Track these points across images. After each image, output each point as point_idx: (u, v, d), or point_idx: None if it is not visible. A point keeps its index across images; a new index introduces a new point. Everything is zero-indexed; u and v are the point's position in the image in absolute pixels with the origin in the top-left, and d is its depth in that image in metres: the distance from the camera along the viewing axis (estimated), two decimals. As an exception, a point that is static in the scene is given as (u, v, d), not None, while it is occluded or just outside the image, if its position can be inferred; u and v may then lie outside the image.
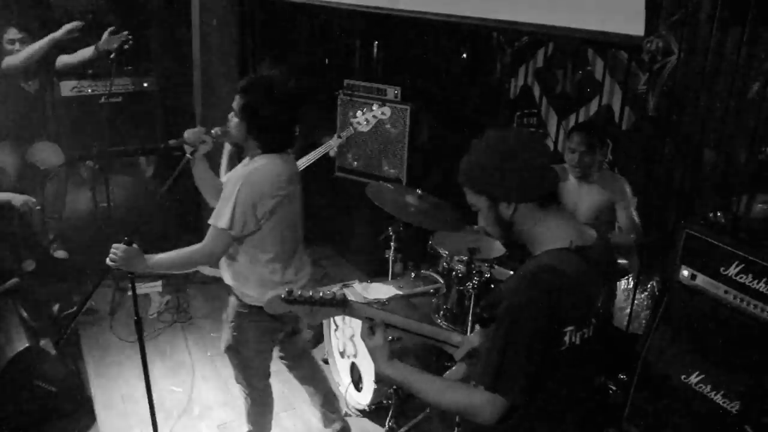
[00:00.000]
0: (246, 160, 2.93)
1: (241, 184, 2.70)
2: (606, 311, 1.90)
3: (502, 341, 1.71)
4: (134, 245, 2.67)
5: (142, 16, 5.46)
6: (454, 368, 2.12)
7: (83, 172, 5.24)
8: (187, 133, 2.88)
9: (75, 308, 4.48)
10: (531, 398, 1.74)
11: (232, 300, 3.02)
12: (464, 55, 5.09)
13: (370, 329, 1.99)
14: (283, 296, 1.99)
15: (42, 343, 3.79)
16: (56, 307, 4.45)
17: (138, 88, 5.21)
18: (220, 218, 2.73)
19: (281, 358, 3.39)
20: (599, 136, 3.61)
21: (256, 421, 3.33)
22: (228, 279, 2.98)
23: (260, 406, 3.29)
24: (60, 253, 5.07)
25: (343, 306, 2.01)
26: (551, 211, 1.82)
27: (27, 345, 3.59)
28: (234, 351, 3.08)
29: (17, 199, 4.33)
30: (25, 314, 3.98)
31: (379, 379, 3.05)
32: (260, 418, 3.33)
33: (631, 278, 4.17)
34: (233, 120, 2.82)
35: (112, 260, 2.66)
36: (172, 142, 2.94)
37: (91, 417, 3.75)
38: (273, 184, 2.77)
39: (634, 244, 3.69)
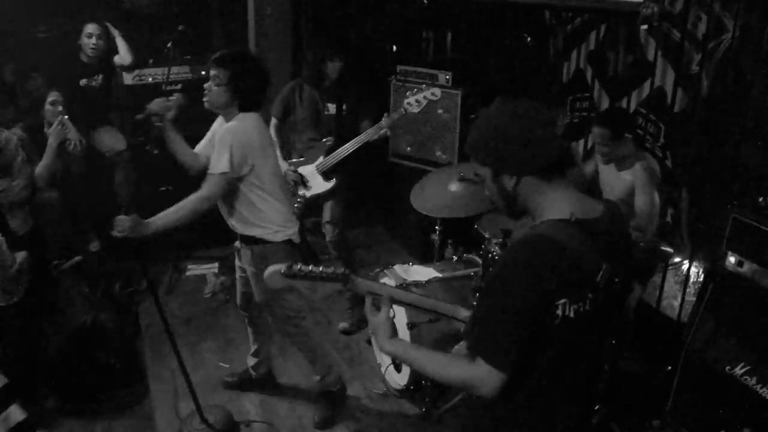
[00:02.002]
0: (219, 120, 3.36)
1: (233, 133, 3.07)
2: (611, 287, 1.82)
3: (487, 306, 1.71)
4: (133, 215, 2.97)
5: (201, 5, 5.63)
6: (461, 343, 2.11)
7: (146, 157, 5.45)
8: (152, 104, 3.23)
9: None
10: (520, 367, 1.71)
11: (246, 251, 3.35)
12: (517, 40, 5.01)
13: (374, 305, 2.01)
14: (283, 271, 2.03)
15: (102, 317, 4.00)
16: (117, 286, 4.67)
17: (197, 76, 5.37)
18: (218, 165, 3.07)
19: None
20: (621, 125, 3.55)
21: (320, 361, 3.64)
22: (242, 228, 3.30)
23: (315, 346, 3.61)
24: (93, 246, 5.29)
25: (344, 280, 2.04)
26: (554, 183, 1.79)
27: (88, 318, 3.79)
28: (268, 297, 3.38)
29: (72, 133, 4.51)
30: (87, 290, 4.21)
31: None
32: (319, 355, 3.63)
33: (683, 264, 4.06)
34: (214, 89, 3.14)
35: (119, 231, 2.96)
36: (139, 116, 3.23)
37: (145, 389, 3.93)
38: (260, 134, 3.21)
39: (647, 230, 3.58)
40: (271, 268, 2.08)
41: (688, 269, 3.99)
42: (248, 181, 3.17)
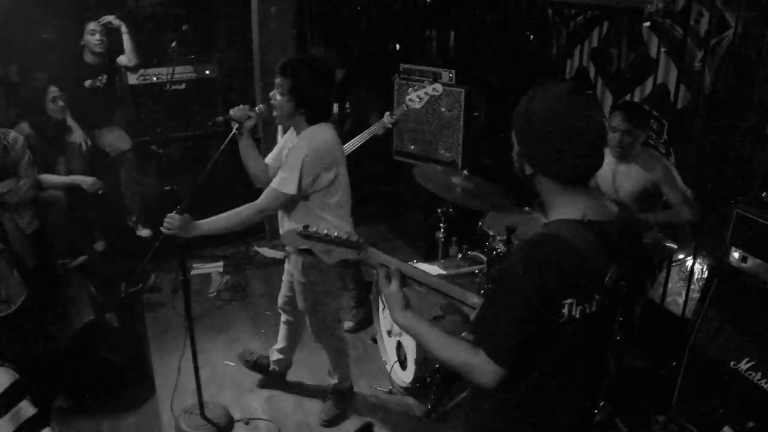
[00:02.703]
0: (291, 132, 3.22)
1: (305, 154, 2.95)
2: (618, 290, 1.82)
3: (493, 302, 1.72)
4: (185, 214, 2.95)
5: (204, 5, 5.65)
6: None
7: (151, 156, 5.47)
8: (233, 111, 3.11)
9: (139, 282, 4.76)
10: (525, 367, 1.73)
11: (298, 258, 3.24)
12: (520, 36, 5.02)
13: (386, 277, 2.02)
14: (299, 231, 2.08)
15: (107, 316, 4.02)
16: (123, 285, 4.68)
17: (200, 76, 5.39)
18: (286, 185, 2.98)
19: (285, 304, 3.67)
20: (642, 117, 3.52)
21: (342, 368, 3.68)
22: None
23: (343, 353, 3.64)
24: (144, 232, 5.31)
25: (357, 248, 2.05)
26: (570, 187, 1.77)
27: (93, 317, 3.80)
28: (312, 306, 3.37)
29: (86, 182, 4.58)
30: (93, 289, 4.22)
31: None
32: (343, 363, 3.67)
33: (687, 261, 4.06)
34: (278, 98, 3.03)
35: (168, 228, 2.95)
36: (218, 119, 3.18)
37: (151, 388, 3.94)
38: (331, 152, 3.08)
39: (689, 223, 3.57)
40: (288, 228, 2.11)
41: (692, 265, 4.00)
42: (316, 197, 3.09)
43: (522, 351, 1.71)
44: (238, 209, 3.06)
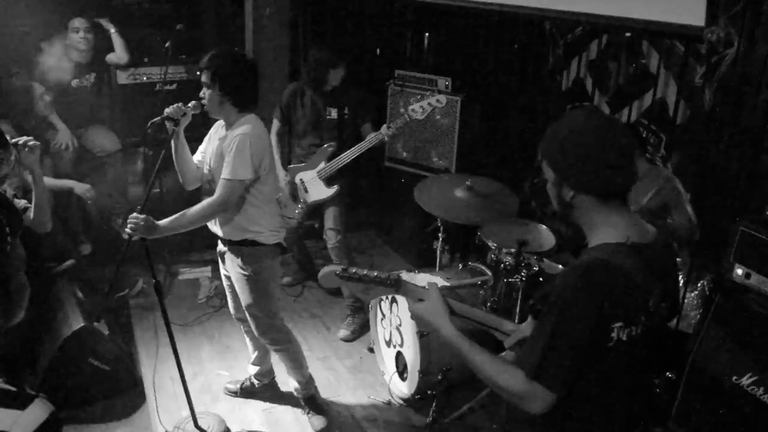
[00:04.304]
0: (217, 127, 3.30)
1: (249, 139, 3.04)
2: (660, 311, 1.85)
3: (549, 331, 1.70)
4: (146, 215, 2.96)
5: (197, 4, 5.55)
6: (503, 354, 2.11)
7: (138, 158, 5.35)
8: (168, 109, 3.13)
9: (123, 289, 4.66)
10: (573, 390, 1.73)
11: (236, 253, 3.29)
12: (516, 47, 5.03)
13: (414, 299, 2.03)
14: (338, 272, 2.06)
15: (97, 323, 3.91)
16: (109, 290, 4.56)
17: (192, 76, 5.29)
18: (241, 172, 3.05)
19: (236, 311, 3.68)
20: (639, 138, 3.56)
21: (296, 364, 3.61)
22: (234, 234, 3.25)
23: (293, 346, 3.58)
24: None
25: (396, 286, 2.03)
26: (612, 206, 1.78)
27: (83, 324, 3.69)
28: (256, 301, 3.36)
29: (79, 187, 4.46)
30: (80, 295, 4.11)
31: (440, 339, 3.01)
32: (298, 358, 3.61)
33: (681, 276, 4.09)
34: (206, 93, 3.11)
35: (132, 230, 2.94)
36: (156, 120, 3.15)
37: (141, 396, 3.85)
38: (266, 136, 3.22)
39: (687, 242, 3.61)
40: (326, 269, 2.13)
41: (686, 280, 4.04)
42: (252, 187, 3.16)
43: (574, 375, 1.71)
44: (198, 206, 3.11)
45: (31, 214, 3.08)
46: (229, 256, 3.35)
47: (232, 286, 3.51)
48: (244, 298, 3.38)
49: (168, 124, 3.11)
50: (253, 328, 3.50)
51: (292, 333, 3.61)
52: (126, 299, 4.69)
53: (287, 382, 3.90)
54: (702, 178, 3.79)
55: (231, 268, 3.38)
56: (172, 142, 3.19)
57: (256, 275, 3.30)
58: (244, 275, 3.30)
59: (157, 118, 3.12)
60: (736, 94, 3.51)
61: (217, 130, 3.30)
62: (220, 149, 3.15)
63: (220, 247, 3.42)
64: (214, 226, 3.31)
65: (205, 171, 3.30)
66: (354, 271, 2.05)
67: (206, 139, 3.41)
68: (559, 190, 1.81)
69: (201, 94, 3.14)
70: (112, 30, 4.90)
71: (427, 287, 2.05)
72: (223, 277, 3.59)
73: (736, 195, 3.56)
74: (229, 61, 3.12)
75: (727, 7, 3.31)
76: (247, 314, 3.45)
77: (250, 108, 3.18)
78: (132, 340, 4.36)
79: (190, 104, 3.16)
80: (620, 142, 1.74)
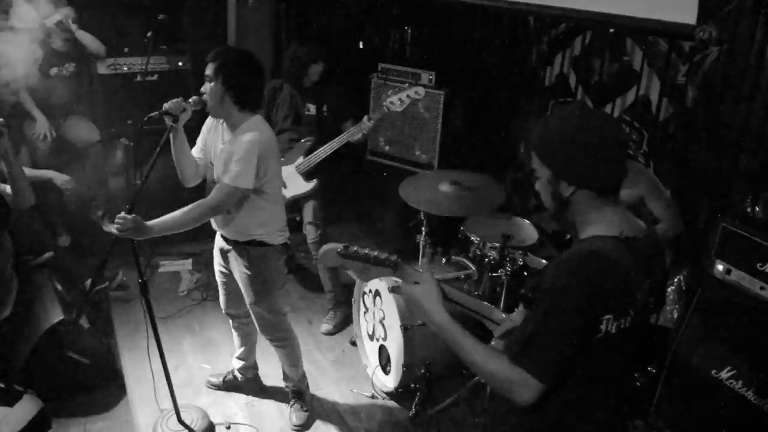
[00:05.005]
0: (217, 124, 3.20)
1: (258, 148, 2.96)
2: (647, 306, 1.88)
3: (538, 320, 1.71)
4: (134, 215, 2.87)
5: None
6: (492, 344, 2.12)
7: (118, 149, 5.29)
8: (168, 104, 3.02)
9: (104, 282, 4.60)
10: (560, 382, 1.74)
11: (242, 252, 3.23)
12: (500, 42, 5.04)
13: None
14: (339, 250, 2.04)
15: (77, 316, 3.86)
16: (88, 282, 4.51)
17: (173, 67, 5.24)
18: (243, 180, 2.96)
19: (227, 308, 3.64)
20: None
21: (294, 362, 3.61)
22: (239, 235, 3.21)
23: (294, 344, 3.57)
24: (112, 228, 5.09)
25: (395, 268, 2.03)
26: (608, 200, 1.81)
27: (62, 317, 3.64)
28: (261, 301, 3.32)
29: (59, 178, 4.39)
30: (59, 287, 4.05)
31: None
32: (296, 355, 3.60)
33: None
34: (208, 87, 3.01)
35: (119, 230, 2.86)
36: (153, 114, 3.07)
37: (121, 390, 3.82)
38: (275, 141, 3.15)
39: (674, 236, 3.64)
40: (327, 246, 2.10)
41: (666, 275, 4.09)
42: (260, 190, 3.09)
43: (563, 366, 1.72)
44: (190, 207, 3.01)
45: (8, 189, 3.02)
46: (233, 255, 3.29)
47: (227, 283, 3.48)
48: (249, 298, 3.34)
49: (166, 119, 3.01)
50: (256, 326, 3.46)
51: (293, 331, 3.58)
52: (106, 292, 4.63)
53: (270, 375, 3.90)
54: (683, 175, 3.83)
55: (235, 267, 3.33)
56: (171, 138, 3.09)
57: (262, 275, 3.26)
58: (250, 275, 3.26)
59: (154, 113, 3.03)
60: (719, 92, 3.55)
61: (217, 128, 3.21)
62: (225, 153, 3.06)
63: (222, 244, 3.35)
64: (219, 227, 3.26)
65: (214, 177, 3.20)
66: (355, 249, 2.04)
67: (202, 135, 3.32)
68: (556, 187, 1.81)
69: (202, 88, 3.04)
70: (75, 29, 4.78)
71: (421, 270, 2.05)
72: (217, 273, 3.53)
73: (716, 192, 3.60)
74: (235, 56, 3.05)
75: (719, 6, 3.33)
76: (251, 312, 3.41)
77: (251, 108, 3.08)
78: (112, 333, 4.31)
79: (190, 100, 3.05)
80: (616, 136, 1.76)
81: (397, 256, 2.04)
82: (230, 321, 3.70)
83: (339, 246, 2.05)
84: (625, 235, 1.77)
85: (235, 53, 3.09)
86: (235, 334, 3.75)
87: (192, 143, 3.29)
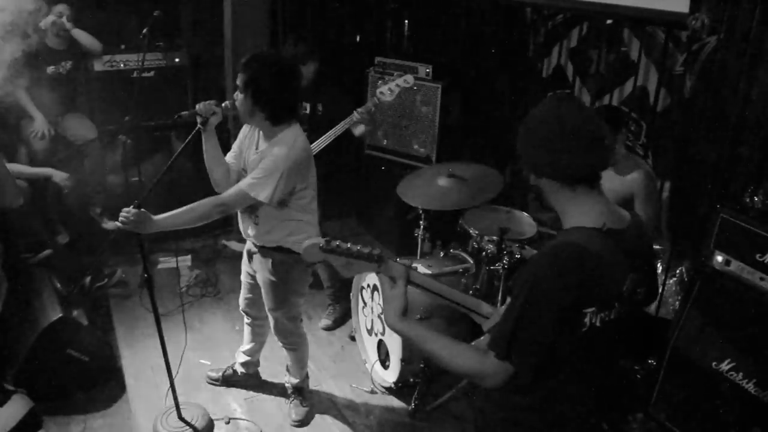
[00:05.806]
0: (253, 131, 3.13)
1: (287, 165, 2.89)
2: (634, 297, 1.87)
3: (518, 312, 1.71)
4: (142, 209, 2.84)
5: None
6: (481, 339, 2.12)
7: (116, 146, 5.28)
8: (199, 105, 2.99)
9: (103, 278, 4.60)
10: (542, 373, 1.74)
11: (266, 258, 3.20)
12: (497, 34, 5.02)
13: (392, 278, 2.00)
14: (321, 245, 2.02)
15: (74, 313, 3.86)
16: (87, 279, 4.51)
17: (170, 63, 5.22)
18: (259, 191, 2.91)
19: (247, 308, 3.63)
20: (618, 120, 3.51)
21: (301, 364, 3.61)
22: (266, 241, 3.16)
23: (304, 347, 3.59)
24: (110, 225, 5.08)
25: (378, 261, 2.02)
26: (579, 192, 1.79)
27: (60, 315, 3.64)
28: (280, 306, 3.31)
29: (58, 175, 4.39)
30: (58, 285, 4.05)
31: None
32: (304, 358, 3.62)
33: (660, 263, 4.12)
34: (238, 96, 2.95)
35: (123, 223, 2.83)
36: (184, 113, 3.04)
37: (121, 386, 3.83)
38: (309, 159, 3.06)
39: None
40: (309, 241, 2.06)
41: (666, 267, 4.07)
42: (292, 201, 3.06)
43: (542, 357, 1.72)
44: (198, 204, 2.96)
45: None
46: (258, 258, 3.27)
47: (252, 285, 3.46)
48: (269, 302, 3.33)
49: (198, 120, 2.98)
50: (271, 327, 3.47)
51: (306, 336, 3.59)
52: (105, 289, 4.63)
53: (269, 371, 3.90)
54: (682, 165, 3.81)
55: (259, 269, 3.30)
56: (202, 140, 3.06)
57: (285, 283, 3.25)
58: (273, 281, 3.24)
59: (185, 112, 3.00)
60: (717, 81, 3.52)
61: (253, 135, 3.15)
62: (257, 163, 3.00)
63: (250, 246, 3.33)
64: (252, 229, 3.20)
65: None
66: (337, 243, 2.02)
67: (237, 140, 3.26)
68: (528, 174, 1.84)
69: (234, 95, 2.98)
70: (70, 27, 4.77)
71: (413, 266, 2.05)
72: (243, 273, 3.51)
73: (715, 182, 3.58)
74: (268, 67, 2.89)
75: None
76: (269, 316, 3.42)
77: (286, 121, 2.99)
78: (111, 330, 4.31)
79: (223, 104, 3.01)
80: (584, 128, 1.74)
81: (380, 250, 2.03)
82: (245, 318, 3.68)
83: (321, 241, 2.03)
84: (608, 226, 1.76)
85: (267, 64, 2.91)
86: (247, 329, 3.72)
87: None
